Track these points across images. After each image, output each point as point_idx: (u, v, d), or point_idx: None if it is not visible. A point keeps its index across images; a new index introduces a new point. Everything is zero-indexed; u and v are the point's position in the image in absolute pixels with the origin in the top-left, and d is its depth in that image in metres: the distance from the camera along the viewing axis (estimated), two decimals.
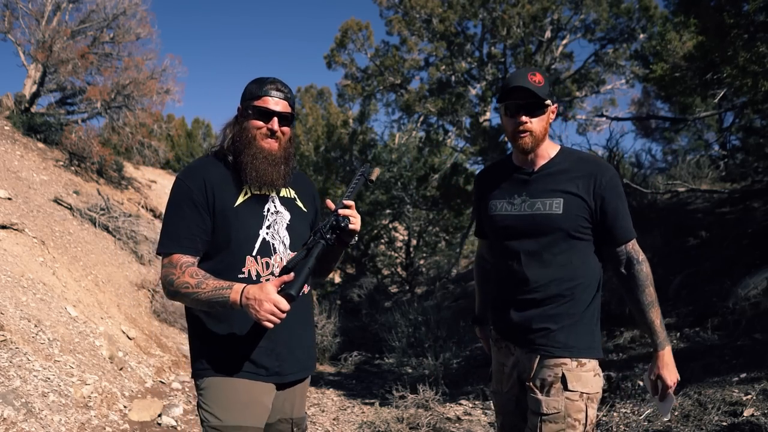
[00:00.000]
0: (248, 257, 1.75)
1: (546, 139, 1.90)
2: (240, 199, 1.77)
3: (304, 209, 1.91)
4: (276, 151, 1.78)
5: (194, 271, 1.68)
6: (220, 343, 1.76)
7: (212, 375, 1.76)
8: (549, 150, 1.92)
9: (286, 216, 1.84)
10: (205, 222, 1.73)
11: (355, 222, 1.82)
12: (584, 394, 1.81)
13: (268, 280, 1.75)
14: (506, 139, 2.13)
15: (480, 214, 2.08)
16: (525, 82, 1.82)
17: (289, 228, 1.83)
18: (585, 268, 1.88)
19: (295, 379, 1.87)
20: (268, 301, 1.57)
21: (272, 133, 1.77)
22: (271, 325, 1.60)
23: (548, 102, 1.86)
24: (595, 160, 1.92)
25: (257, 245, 1.76)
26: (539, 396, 1.84)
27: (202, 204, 1.73)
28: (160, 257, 1.76)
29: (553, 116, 1.91)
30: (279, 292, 1.61)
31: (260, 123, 1.76)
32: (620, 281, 1.91)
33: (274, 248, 1.79)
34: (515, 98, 1.84)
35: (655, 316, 1.87)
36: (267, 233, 1.78)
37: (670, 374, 1.89)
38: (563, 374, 1.82)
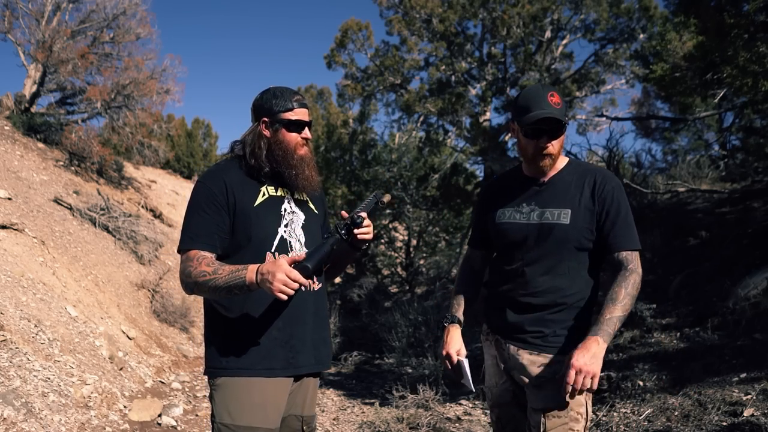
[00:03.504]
0: (268, 253, 1.84)
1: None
2: (259, 200, 1.88)
3: (316, 211, 2.02)
4: (311, 155, 1.95)
5: (210, 260, 1.76)
6: (236, 338, 1.82)
7: (227, 375, 1.81)
8: (558, 162, 1.96)
9: (301, 216, 1.95)
10: (224, 221, 1.83)
11: (369, 231, 1.93)
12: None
13: None
14: (519, 155, 2.14)
15: (484, 223, 2.08)
16: (549, 108, 1.82)
17: (304, 227, 1.94)
18: (585, 279, 1.90)
19: (310, 371, 1.92)
20: (281, 271, 1.65)
21: (306, 141, 1.92)
22: (284, 297, 1.66)
23: (567, 122, 1.90)
24: (602, 170, 1.97)
25: (276, 242, 1.86)
26: (539, 392, 1.86)
27: (222, 204, 1.83)
28: (180, 255, 1.85)
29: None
30: (295, 266, 1.69)
31: (295, 134, 1.89)
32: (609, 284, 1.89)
33: (291, 245, 1.89)
34: (540, 125, 1.84)
35: (609, 312, 1.75)
36: (285, 231, 1.89)
37: (583, 357, 1.68)
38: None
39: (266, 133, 1.89)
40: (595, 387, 1.72)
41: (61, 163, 10.60)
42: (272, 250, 1.85)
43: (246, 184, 1.88)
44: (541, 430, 1.81)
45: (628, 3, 12.02)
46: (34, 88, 12.05)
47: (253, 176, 1.89)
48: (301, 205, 1.97)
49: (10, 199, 7.40)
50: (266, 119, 1.89)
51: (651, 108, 15.46)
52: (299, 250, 1.89)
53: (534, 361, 1.88)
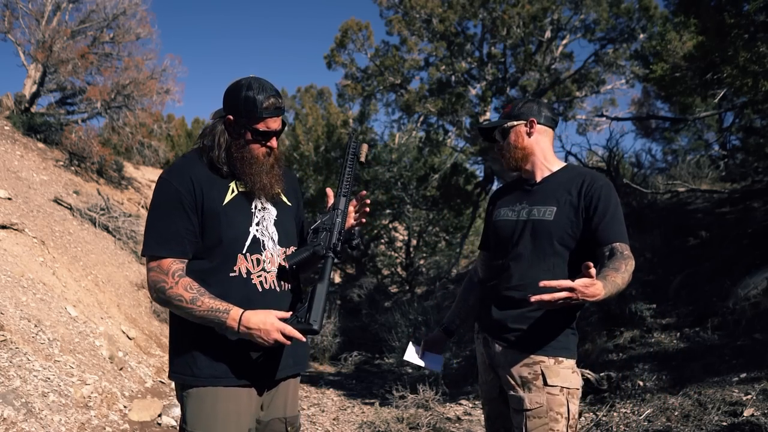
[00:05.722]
0: (239, 255, 1.75)
1: (539, 153, 2.05)
2: (228, 198, 1.77)
3: (289, 203, 1.92)
4: (273, 163, 1.82)
5: (188, 283, 1.67)
6: (208, 344, 1.72)
7: (200, 384, 1.73)
8: (552, 165, 2.07)
9: (273, 212, 1.85)
10: (193, 224, 1.72)
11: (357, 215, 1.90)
12: (564, 389, 1.88)
13: (259, 276, 1.77)
14: None
15: (488, 224, 2.22)
16: (484, 122, 2.09)
17: (276, 224, 1.84)
18: (568, 278, 1.88)
19: (288, 374, 1.86)
20: (275, 331, 1.64)
21: (270, 150, 1.80)
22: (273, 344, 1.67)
23: (510, 124, 2.06)
24: (593, 173, 2.04)
25: (247, 243, 1.76)
26: (521, 393, 1.91)
27: (190, 205, 1.71)
28: (146, 258, 1.75)
29: (530, 129, 2.04)
30: (299, 328, 1.66)
31: (259, 145, 1.77)
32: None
33: (264, 245, 1.79)
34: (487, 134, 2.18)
35: (612, 276, 1.69)
36: (257, 230, 1.79)
37: (585, 286, 1.59)
38: (542, 371, 1.89)
39: (228, 131, 1.76)
40: (578, 300, 1.60)
41: (61, 163, 10.59)
42: (243, 252, 1.75)
43: (213, 181, 1.76)
44: (523, 430, 1.87)
45: (628, 3, 12.01)
46: (34, 88, 12.04)
47: (217, 171, 1.77)
48: (273, 199, 1.85)
49: (10, 199, 7.40)
50: (231, 118, 1.74)
51: (651, 108, 15.46)
52: (272, 249, 1.80)
53: (520, 363, 1.92)
